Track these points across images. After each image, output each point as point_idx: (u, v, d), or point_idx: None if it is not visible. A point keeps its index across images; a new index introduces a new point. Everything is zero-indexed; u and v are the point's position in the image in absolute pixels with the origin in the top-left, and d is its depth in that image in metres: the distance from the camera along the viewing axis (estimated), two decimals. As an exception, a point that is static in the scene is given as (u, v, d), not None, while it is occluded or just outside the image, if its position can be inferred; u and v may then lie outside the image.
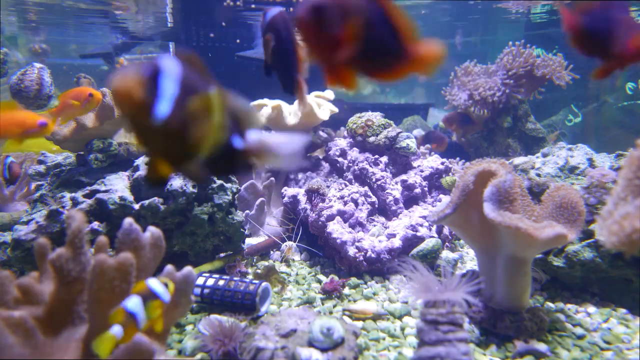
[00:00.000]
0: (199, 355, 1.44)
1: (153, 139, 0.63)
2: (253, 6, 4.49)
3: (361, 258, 2.03)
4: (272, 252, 2.34)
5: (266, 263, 2.26)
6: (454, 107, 3.59)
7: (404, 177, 2.54)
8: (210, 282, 1.73)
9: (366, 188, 2.44)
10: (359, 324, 1.65)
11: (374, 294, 1.90)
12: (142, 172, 1.96)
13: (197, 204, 1.94)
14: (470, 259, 2.26)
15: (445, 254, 2.17)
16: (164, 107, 0.60)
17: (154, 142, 0.64)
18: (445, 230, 2.29)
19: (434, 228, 2.22)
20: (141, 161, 2.02)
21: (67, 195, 1.92)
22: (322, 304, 1.81)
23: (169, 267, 1.13)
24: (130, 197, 1.90)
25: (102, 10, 5.14)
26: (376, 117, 2.70)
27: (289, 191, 2.44)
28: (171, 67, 0.63)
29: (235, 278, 1.74)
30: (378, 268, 2.06)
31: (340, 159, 2.66)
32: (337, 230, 2.09)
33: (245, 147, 0.72)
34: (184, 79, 0.63)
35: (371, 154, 2.63)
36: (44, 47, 5.77)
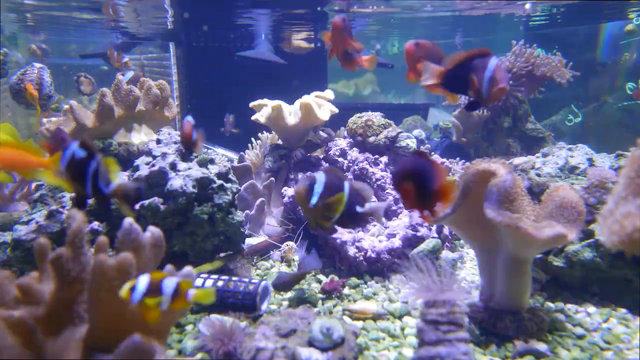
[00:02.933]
0: (199, 355, 1.44)
1: (310, 213, 1.30)
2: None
3: (361, 258, 2.03)
4: (272, 252, 2.34)
5: (266, 263, 2.26)
6: (453, 104, 3.60)
7: (404, 177, 2.54)
8: (209, 283, 1.73)
9: (366, 188, 2.44)
10: (359, 323, 1.64)
11: (374, 293, 1.89)
12: (142, 172, 1.95)
13: (197, 204, 1.94)
14: (470, 259, 2.26)
15: (445, 254, 2.17)
16: (314, 200, 1.26)
17: (310, 214, 1.32)
18: (445, 230, 2.29)
19: (434, 228, 2.22)
20: (141, 161, 2.02)
21: (67, 195, 1.92)
22: (322, 304, 1.81)
23: (169, 267, 1.13)
24: (130, 197, 1.90)
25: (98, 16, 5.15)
26: (376, 117, 2.70)
27: (289, 191, 2.44)
28: (320, 178, 1.28)
29: (234, 278, 1.74)
30: (378, 268, 2.06)
31: (340, 159, 2.66)
32: (337, 230, 2.09)
33: (364, 211, 1.32)
34: (326, 184, 1.27)
35: (371, 154, 2.63)
36: (43, 47, 5.76)
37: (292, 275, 1.81)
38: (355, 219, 1.33)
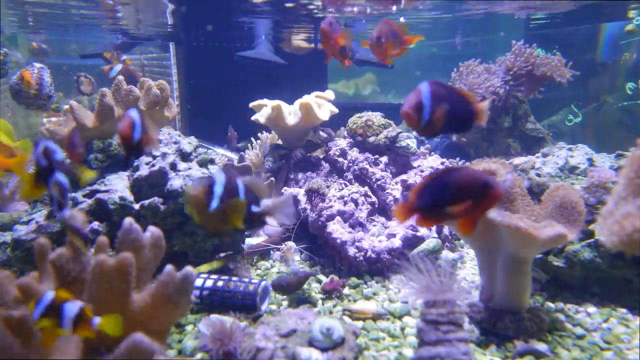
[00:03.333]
0: (199, 355, 1.44)
1: (208, 219, 1.12)
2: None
3: (361, 258, 2.03)
4: (272, 252, 2.34)
5: (266, 263, 2.26)
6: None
7: (404, 177, 2.54)
8: (209, 283, 1.73)
9: (366, 188, 2.44)
10: (359, 324, 1.65)
11: (374, 293, 1.89)
12: (142, 172, 1.95)
13: (197, 204, 1.94)
14: (470, 259, 2.26)
15: (445, 254, 2.17)
16: (214, 203, 1.09)
17: (210, 221, 1.14)
18: (445, 230, 2.29)
19: (433, 228, 2.22)
20: (141, 161, 2.02)
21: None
22: (322, 304, 1.81)
23: (169, 267, 1.13)
24: (130, 197, 1.90)
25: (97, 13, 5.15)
26: (376, 117, 2.70)
27: (288, 191, 2.44)
28: (220, 178, 1.11)
29: (234, 278, 1.74)
30: (378, 268, 2.06)
31: (340, 159, 2.66)
32: (337, 230, 2.09)
33: (260, 211, 1.18)
34: (226, 185, 1.11)
35: (371, 154, 2.63)
36: (44, 46, 5.76)
37: (292, 280, 1.81)
38: (254, 221, 1.19)
